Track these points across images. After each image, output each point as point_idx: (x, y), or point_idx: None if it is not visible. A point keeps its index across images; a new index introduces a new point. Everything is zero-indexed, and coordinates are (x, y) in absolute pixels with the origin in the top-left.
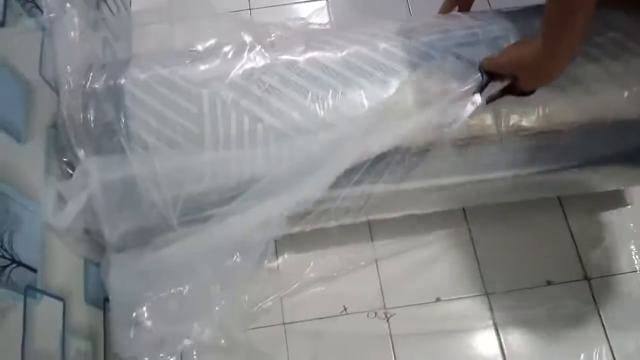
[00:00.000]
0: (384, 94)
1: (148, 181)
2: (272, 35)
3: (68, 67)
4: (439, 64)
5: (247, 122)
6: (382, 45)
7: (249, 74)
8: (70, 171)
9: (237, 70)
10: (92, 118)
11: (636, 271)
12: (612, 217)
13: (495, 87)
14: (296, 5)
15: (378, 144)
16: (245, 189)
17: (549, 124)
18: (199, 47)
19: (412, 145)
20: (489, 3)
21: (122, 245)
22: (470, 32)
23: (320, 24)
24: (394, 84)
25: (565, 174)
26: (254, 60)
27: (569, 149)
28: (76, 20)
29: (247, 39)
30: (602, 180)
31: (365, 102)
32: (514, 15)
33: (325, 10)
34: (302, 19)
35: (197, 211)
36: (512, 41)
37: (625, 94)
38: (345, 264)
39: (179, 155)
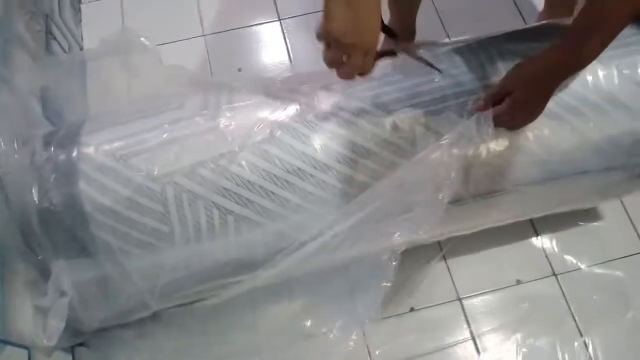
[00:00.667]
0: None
1: (121, 279)
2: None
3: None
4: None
5: (217, 215)
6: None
7: (214, 164)
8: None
9: (201, 158)
10: (49, 223)
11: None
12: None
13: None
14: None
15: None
16: (220, 271)
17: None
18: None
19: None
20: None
21: (101, 326)
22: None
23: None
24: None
25: None
26: (218, 145)
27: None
28: None
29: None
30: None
31: (335, 183)
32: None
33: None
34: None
35: (176, 293)
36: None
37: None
38: None
39: (149, 255)
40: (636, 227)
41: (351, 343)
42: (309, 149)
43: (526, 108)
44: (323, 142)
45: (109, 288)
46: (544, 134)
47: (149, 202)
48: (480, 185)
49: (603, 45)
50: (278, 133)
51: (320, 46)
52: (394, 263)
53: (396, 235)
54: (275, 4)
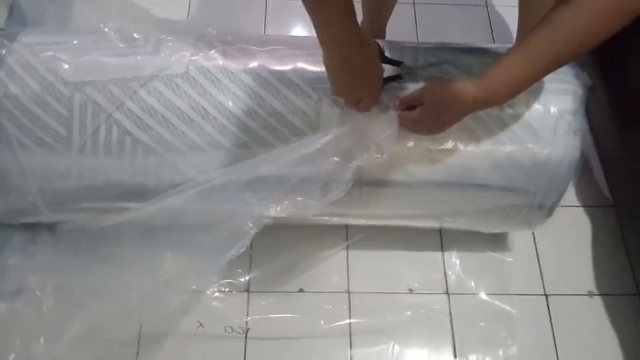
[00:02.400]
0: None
1: (15, 172)
2: (163, 34)
3: None
4: None
5: (116, 132)
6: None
7: (125, 85)
8: None
9: (115, 76)
10: None
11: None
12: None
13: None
14: None
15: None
16: (111, 192)
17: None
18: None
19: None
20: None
21: None
22: None
23: None
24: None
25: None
26: (133, 67)
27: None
28: None
29: (136, 35)
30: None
31: (237, 132)
32: None
33: None
34: None
35: (67, 203)
36: None
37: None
38: None
39: (45, 154)
40: (542, 268)
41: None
42: (218, 93)
43: (430, 123)
44: (234, 90)
45: (3, 180)
46: (447, 136)
47: (55, 103)
48: (374, 172)
49: (520, 90)
50: (194, 72)
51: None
52: (252, 232)
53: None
54: None
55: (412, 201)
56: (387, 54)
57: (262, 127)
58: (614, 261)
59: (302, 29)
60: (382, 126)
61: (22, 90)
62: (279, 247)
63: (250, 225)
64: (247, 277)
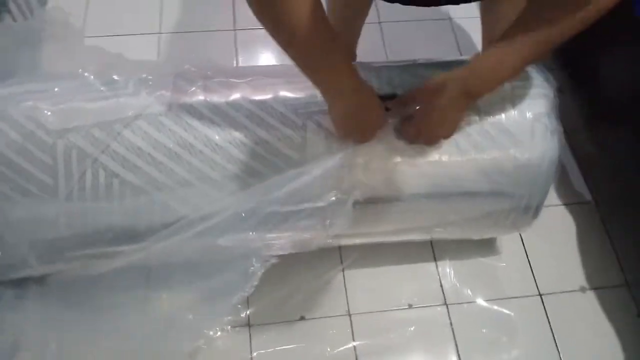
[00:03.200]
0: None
1: (2, 226)
2: (143, 75)
3: None
4: None
5: (102, 175)
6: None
7: (108, 127)
8: None
9: (97, 120)
10: None
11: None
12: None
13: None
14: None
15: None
16: (102, 236)
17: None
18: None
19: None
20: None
21: None
22: None
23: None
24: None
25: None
26: (116, 109)
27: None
28: None
29: (115, 77)
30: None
31: (225, 164)
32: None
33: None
34: None
35: (58, 253)
36: None
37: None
38: None
39: (32, 205)
40: (533, 269)
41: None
42: (203, 127)
43: (431, 125)
44: (219, 124)
45: None
46: (431, 148)
47: (38, 152)
48: (364, 191)
49: (504, 78)
50: (176, 108)
51: None
52: (259, 272)
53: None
54: (234, 14)
55: (404, 216)
56: (362, 75)
57: (250, 157)
58: (601, 255)
59: (272, 56)
60: (370, 150)
61: (2, 141)
62: (274, 277)
63: (257, 265)
64: (247, 312)
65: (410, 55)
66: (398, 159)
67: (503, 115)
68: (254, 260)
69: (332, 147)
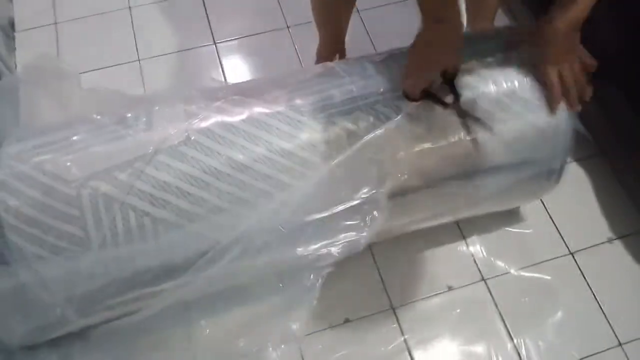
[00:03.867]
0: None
1: (37, 288)
2: (155, 108)
3: None
4: None
5: (133, 217)
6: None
7: (130, 167)
8: None
9: (117, 162)
10: None
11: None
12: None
13: None
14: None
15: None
16: (141, 278)
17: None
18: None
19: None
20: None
21: (23, 343)
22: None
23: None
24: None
25: None
26: (134, 147)
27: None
28: None
29: (125, 114)
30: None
31: (254, 182)
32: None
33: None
34: None
35: (97, 303)
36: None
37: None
38: None
39: (65, 261)
40: (559, 230)
41: None
42: (225, 149)
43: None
44: (239, 142)
45: (25, 298)
46: (450, 129)
47: (63, 207)
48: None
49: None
50: (194, 136)
51: None
52: (318, 282)
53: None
54: (211, 29)
55: (435, 201)
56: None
57: (278, 171)
58: (619, 204)
59: (258, 63)
60: (392, 140)
61: (22, 202)
62: None
63: (312, 277)
64: (293, 326)
65: (397, 38)
66: (422, 146)
67: (516, 83)
68: (310, 274)
69: (354, 146)
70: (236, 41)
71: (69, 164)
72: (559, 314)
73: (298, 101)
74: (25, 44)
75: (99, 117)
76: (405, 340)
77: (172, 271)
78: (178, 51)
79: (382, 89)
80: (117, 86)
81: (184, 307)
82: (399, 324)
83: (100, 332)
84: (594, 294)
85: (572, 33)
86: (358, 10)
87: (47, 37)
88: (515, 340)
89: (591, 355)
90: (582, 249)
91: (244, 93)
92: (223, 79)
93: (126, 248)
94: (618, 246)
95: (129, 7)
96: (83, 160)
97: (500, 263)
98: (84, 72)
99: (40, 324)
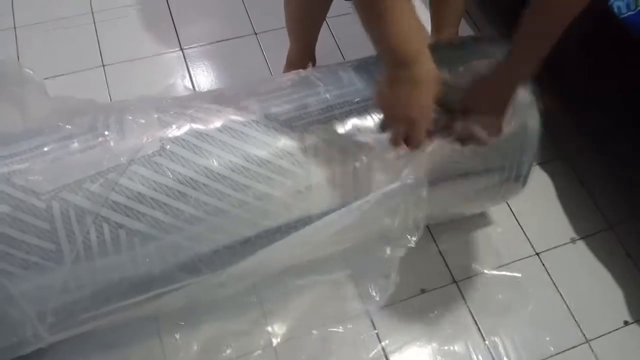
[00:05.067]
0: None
1: (6, 304)
2: (128, 117)
3: None
4: None
5: (107, 229)
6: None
7: (103, 178)
8: None
9: (89, 173)
10: None
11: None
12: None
13: None
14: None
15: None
16: (117, 290)
17: None
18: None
19: None
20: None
21: None
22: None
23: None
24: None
25: None
26: (106, 158)
27: None
28: None
29: (96, 123)
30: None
31: (232, 192)
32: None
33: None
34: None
35: (69, 318)
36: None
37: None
38: None
39: (35, 275)
40: (525, 231)
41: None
42: (201, 159)
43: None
44: (216, 152)
45: None
46: None
47: (33, 220)
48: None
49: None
50: (169, 146)
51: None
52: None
53: None
54: (177, 35)
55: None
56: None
57: (255, 181)
58: (581, 205)
59: (225, 68)
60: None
61: None
62: None
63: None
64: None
65: (365, 45)
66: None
67: None
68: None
69: (335, 155)
70: (203, 47)
71: (38, 175)
72: (530, 306)
73: (274, 109)
74: None
75: (68, 126)
76: (383, 348)
77: (148, 283)
78: (144, 57)
79: (357, 99)
80: (81, 93)
81: (154, 320)
82: (375, 329)
83: (70, 346)
84: (559, 291)
85: (512, 84)
86: (326, 18)
87: (5, 41)
88: (492, 337)
89: (563, 351)
90: (546, 250)
91: (218, 101)
92: (191, 86)
93: (100, 261)
94: (581, 246)
95: (92, 12)
96: (53, 172)
97: (469, 264)
98: (46, 78)
99: (10, 341)
